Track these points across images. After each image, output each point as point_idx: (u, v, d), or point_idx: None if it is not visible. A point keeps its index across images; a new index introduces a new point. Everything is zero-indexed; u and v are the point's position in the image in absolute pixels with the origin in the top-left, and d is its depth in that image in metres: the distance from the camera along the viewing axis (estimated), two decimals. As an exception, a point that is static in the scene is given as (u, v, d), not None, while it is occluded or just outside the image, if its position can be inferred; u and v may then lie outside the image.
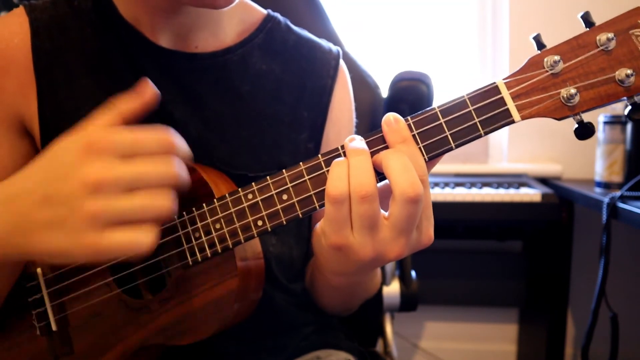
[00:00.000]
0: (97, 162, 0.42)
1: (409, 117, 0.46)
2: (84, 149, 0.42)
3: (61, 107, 0.61)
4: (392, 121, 0.46)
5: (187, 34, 0.63)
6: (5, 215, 0.45)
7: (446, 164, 1.68)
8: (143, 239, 0.42)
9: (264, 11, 0.71)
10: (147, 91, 0.47)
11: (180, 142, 0.46)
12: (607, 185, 1.30)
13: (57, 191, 0.42)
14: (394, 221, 0.44)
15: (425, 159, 0.46)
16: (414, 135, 0.46)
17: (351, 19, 1.84)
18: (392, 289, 1.04)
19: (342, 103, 0.72)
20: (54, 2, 0.64)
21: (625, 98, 0.43)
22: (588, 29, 0.44)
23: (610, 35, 0.43)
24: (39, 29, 0.61)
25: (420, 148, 0.46)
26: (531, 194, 1.38)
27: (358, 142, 0.46)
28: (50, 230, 0.43)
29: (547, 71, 0.44)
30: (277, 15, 0.71)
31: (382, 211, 0.45)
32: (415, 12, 1.85)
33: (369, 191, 0.43)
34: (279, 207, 0.48)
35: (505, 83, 0.45)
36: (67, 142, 0.45)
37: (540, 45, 0.45)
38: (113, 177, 0.41)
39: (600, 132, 1.31)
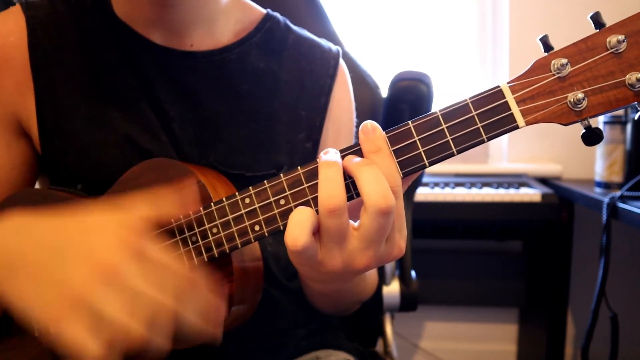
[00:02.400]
0: (122, 257, 0.40)
1: (409, 122, 0.45)
2: (114, 234, 0.41)
3: (60, 105, 0.61)
4: (369, 129, 0.45)
5: (181, 31, 0.63)
6: (8, 249, 0.43)
7: (446, 164, 1.68)
8: (90, 350, 0.38)
9: (263, 10, 0.70)
10: (192, 205, 0.46)
11: (203, 287, 0.43)
12: (607, 185, 1.30)
13: (68, 254, 0.41)
14: (363, 232, 0.43)
15: (425, 164, 0.45)
16: (414, 141, 0.45)
17: (351, 19, 1.83)
18: (392, 289, 1.03)
19: (342, 103, 0.72)
20: (51, 0, 0.63)
21: (635, 103, 0.42)
22: (598, 30, 0.42)
23: (621, 37, 0.41)
24: (35, 27, 0.61)
25: (420, 153, 0.45)
26: (531, 194, 1.38)
27: (330, 155, 0.45)
28: (35, 283, 0.41)
29: (553, 75, 0.43)
30: (277, 14, 0.71)
31: (351, 222, 0.44)
32: (415, 12, 1.84)
33: (337, 205, 0.42)
34: (276, 212, 0.47)
35: (509, 87, 0.43)
36: (107, 219, 0.43)
37: (547, 47, 0.43)
38: (122, 277, 0.39)
39: (601, 132, 1.31)
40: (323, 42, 0.72)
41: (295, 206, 0.47)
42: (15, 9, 0.63)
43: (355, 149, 0.46)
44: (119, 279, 0.39)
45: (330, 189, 0.43)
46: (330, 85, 0.69)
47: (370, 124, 0.45)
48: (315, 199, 0.46)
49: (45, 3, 0.63)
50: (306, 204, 0.46)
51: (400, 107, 0.99)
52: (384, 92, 1.03)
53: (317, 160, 0.46)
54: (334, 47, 0.72)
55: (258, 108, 0.65)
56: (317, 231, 0.44)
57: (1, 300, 0.43)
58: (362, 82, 1.02)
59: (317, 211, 0.45)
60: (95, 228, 0.42)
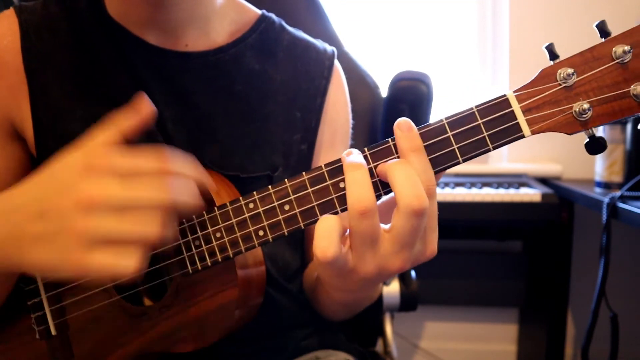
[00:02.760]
0: (93, 181, 0.41)
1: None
2: (82, 167, 0.42)
3: (55, 106, 0.61)
4: (406, 127, 0.44)
5: (176, 31, 0.63)
6: (1, 227, 0.45)
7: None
8: (126, 262, 0.41)
9: (258, 11, 0.70)
10: (145, 108, 0.46)
11: (183, 165, 0.45)
12: (607, 185, 1.30)
13: (52, 206, 0.42)
14: (395, 234, 0.42)
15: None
16: None
17: (351, 19, 1.83)
18: (392, 289, 1.03)
19: (337, 104, 0.72)
20: (44, 2, 0.63)
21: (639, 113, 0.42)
22: (603, 39, 0.42)
23: (627, 47, 0.41)
24: (28, 30, 0.61)
25: None
26: (531, 194, 1.38)
27: (354, 157, 0.44)
28: (40, 244, 0.42)
29: (560, 84, 0.43)
30: (272, 15, 0.71)
31: (382, 225, 0.44)
32: (415, 12, 1.84)
33: (367, 206, 0.41)
34: (280, 217, 0.47)
35: (516, 96, 0.44)
36: (67, 159, 0.44)
37: (552, 55, 0.43)
38: (106, 196, 0.41)
39: (600, 132, 1.31)
40: (318, 42, 0.72)
41: (300, 213, 0.46)
42: (9, 12, 0.63)
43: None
44: (104, 200, 0.41)
45: (360, 191, 0.42)
46: (325, 86, 0.69)
47: (405, 121, 0.44)
48: (320, 205, 0.46)
49: (38, 6, 0.63)
50: (311, 210, 0.46)
51: (400, 107, 0.99)
52: (384, 92, 1.03)
53: (322, 166, 0.45)
54: (329, 48, 0.72)
55: (253, 109, 0.65)
56: (345, 239, 0.44)
57: (20, 269, 0.46)
58: (361, 82, 1.02)
59: (335, 213, 0.45)
60: (63, 171, 0.44)
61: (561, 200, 1.40)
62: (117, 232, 0.41)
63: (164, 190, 0.42)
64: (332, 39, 1.00)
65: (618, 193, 1.12)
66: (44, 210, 0.43)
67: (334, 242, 0.42)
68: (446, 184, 1.51)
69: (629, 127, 1.26)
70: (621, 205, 1.08)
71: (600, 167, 1.32)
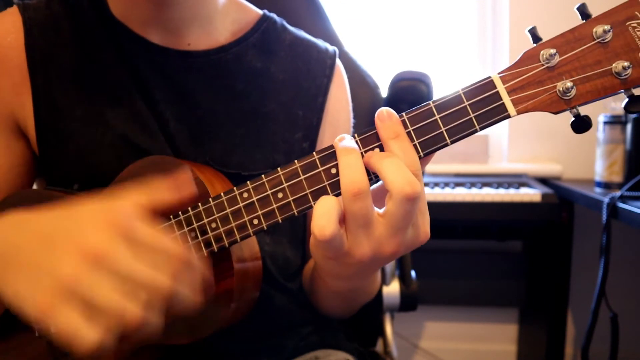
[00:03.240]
0: (107, 238, 0.39)
1: (403, 113, 0.46)
2: (103, 220, 0.40)
3: (56, 105, 0.61)
4: (385, 116, 0.45)
5: (178, 30, 0.63)
6: (8, 237, 0.43)
7: (446, 164, 1.68)
8: (89, 333, 0.37)
9: (260, 11, 0.71)
10: (187, 191, 0.44)
11: (197, 265, 0.43)
12: (607, 185, 1.30)
13: (57, 244, 0.40)
14: (389, 219, 0.43)
15: (420, 155, 0.45)
16: (409, 132, 0.45)
17: (351, 19, 1.84)
18: (392, 289, 1.04)
19: (339, 102, 0.72)
20: (47, 1, 0.64)
21: (622, 91, 0.43)
22: (584, 21, 0.43)
23: (607, 27, 0.42)
24: (32, 28, 0.62)
25: (415, 145, 0.45)
26: (531, 194, 1.38)
27: (347, 141, 0.45)
28: (25, 273, 0.40)
29: (542, 65, 0.44)
30: (273, 15, 0.71)
31: (376, 209, 0.44)
32: (415, 12, 1.85)
33: (361, 188, 0.42)
34: (274, 206, 0.47)
35: (500, 77, 0.45)
36: (94, 205, 0.42)
37: (536, 38, 0.45)
38: (112, 259, 0.38)
39: (600, 132, 1.31)
40: (319, 42, 0.73)
41: (294, 200, 0.47)
42: (12, 10, 0.63)
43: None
44: (109, 262, 0.38)
45: (353, 174, 0.43)
46: (326, 85, 0.70)
47: (385, 110, 0.45)
48: (313, 192, 0.46)
49: (41, 4, 0.64)
50: (304, 197, 0.46)
51: (400, 107, 0.98)
52: (384, 92, 1.03)
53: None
54: (330, 47, 0.73)
55: (254, 107, 0.65)
56: (342, 221, 0.44)
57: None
58: (362, 82, 1.02)
59: (336, 195, 0.45)
60: (84, 215, 0.41)
61: (561, 200, 1.40)
62: (99, 302, 0.37)
63: (169, 276, 0.40)
64: (332, 39, 1.00)
65: (618, 193, 1.12)
66: (48, 245, 0.40)
67: (332, 221, 0.42)
68: (446, 184, 1.51)
69: (629, 127, 1.26)
70: (621, 205, 1.08)
71: (600, 167, 1.32)
